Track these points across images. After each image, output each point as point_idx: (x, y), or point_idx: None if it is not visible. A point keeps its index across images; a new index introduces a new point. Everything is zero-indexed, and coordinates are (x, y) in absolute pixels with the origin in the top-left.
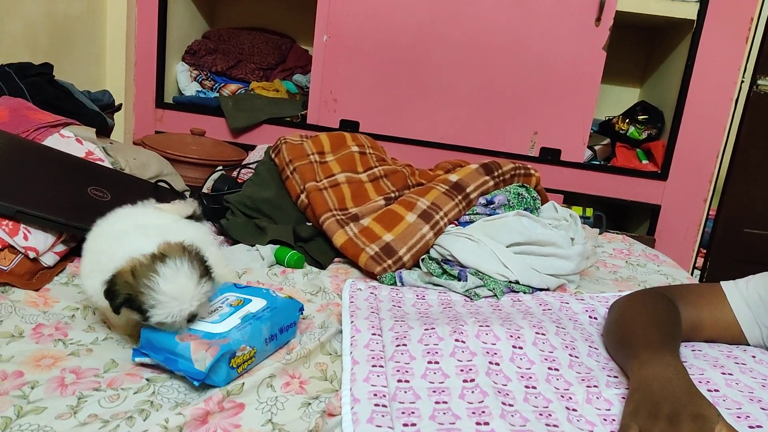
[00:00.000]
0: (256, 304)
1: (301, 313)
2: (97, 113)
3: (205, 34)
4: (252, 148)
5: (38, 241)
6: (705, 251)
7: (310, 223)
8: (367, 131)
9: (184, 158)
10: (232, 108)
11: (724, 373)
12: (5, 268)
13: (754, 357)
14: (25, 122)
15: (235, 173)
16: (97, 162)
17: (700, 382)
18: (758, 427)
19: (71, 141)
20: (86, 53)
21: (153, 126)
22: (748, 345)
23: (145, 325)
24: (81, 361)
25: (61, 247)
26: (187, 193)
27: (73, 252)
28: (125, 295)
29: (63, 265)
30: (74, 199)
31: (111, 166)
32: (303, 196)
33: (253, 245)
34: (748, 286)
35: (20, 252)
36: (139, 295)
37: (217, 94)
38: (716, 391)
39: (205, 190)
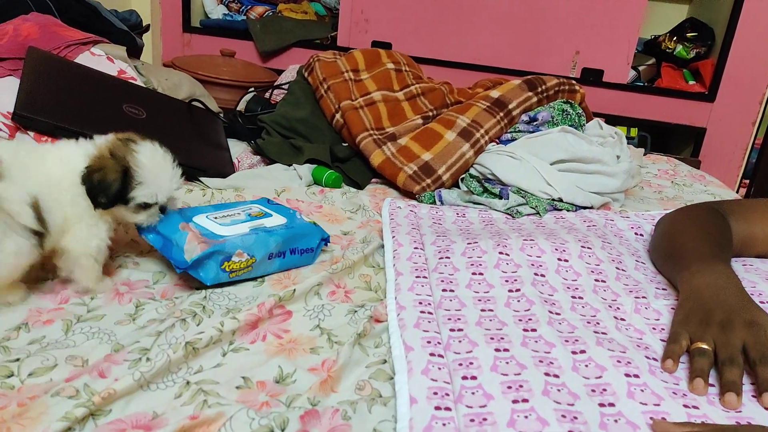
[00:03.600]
0: (274, 221)
1: (325, 243)
2: (126, 32)
3: None
4: (280, 71)
5: None
6: (747, 182)
7: (346, 143)
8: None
9: (216, 79)
10: (260, 31)
11: None
12: None
13: None
14: (55, 39)
15: (267, 94)
16: (130, 81)
17: (752, 294)
18: None
19: (102, 59)
20: None
21: (181, 50)
22: None
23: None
24: (130, 273)
25: None
26: (221, 114)
27: None
28: (118, 172)
29: None
30: (110, 116)
31: (144, 86)
32: (338, 116)
33: (290, 165)
34: None
35: None
36: (129, 170)
37: (245, 17)
38: None
39: (238, 111)
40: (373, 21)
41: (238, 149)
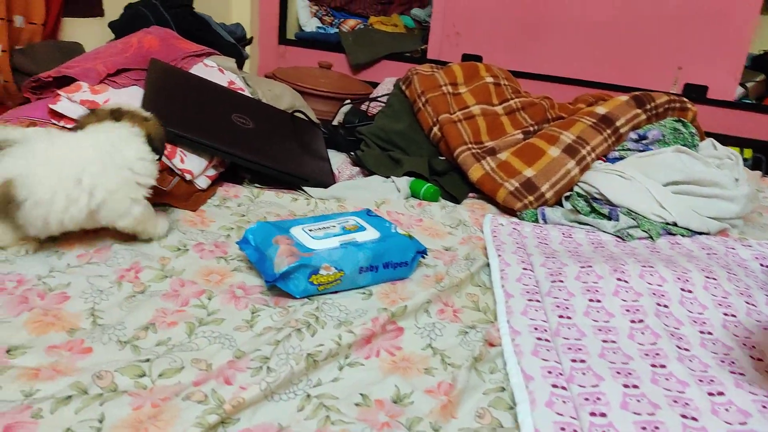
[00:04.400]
0: (367, 235)
1: (423, 257)
2: (233, 45)
3: None
4: (372, 84)
5: (193, 164)
6: None
7: (443, 157)
8: None
9: (314, 91)
10: (352, 43)
11: None
12: (165, 189)
13: None
14: (173, 51)
15: (364, 106)
16: (239, 91)
17: None
18: None
19: (214, 70)
20: None
21: (276, 62)
22: None
23: None
24: (244, 277)
25: (212, 171)
26: (321, 126)
27: (222, 177)
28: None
29: (214, 189)
30: (222, 126)
31: (250, 96)
32: (436, 129)
33: (388, 176)
34: None
35: (177, 174)
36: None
37: (337, 30)
38: None
39: (335, 122)
40: (465, 34)
41: (337, 160)
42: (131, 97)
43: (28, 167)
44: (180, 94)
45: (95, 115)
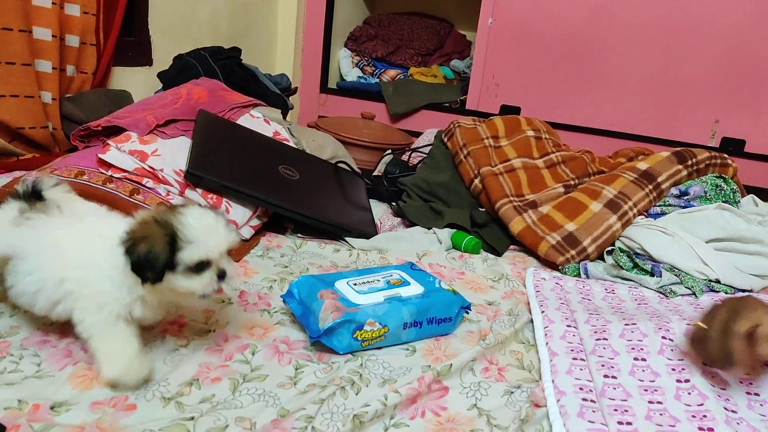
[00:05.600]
0: (411, 290)
1: (467, 312)
2: (278, 95)
3: (366, 20)
4: (412, 133)
5: (238, 215)
6: None
7: (484, 209)
8: None
9: (356, 141)
10: (392, 93)
11: None
12: None
13: None
14: (221, 102)
15: (405, 156)
16: (284, 142)
17: None
18: None
19: (260, 121)
20: (260, 38)
21: (317, 110)
22: None
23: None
24: (288, 331)
25: (255, 222)
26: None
27: (266, 227)
28: (166, 238)
29: (257, 239)
30: (268, 176)
31: (295, 146)
32: (477, 181)
33: (429, 228)
34: None
35: None
36: (176, 232)
37: (377, 80)
38: None
39: (377, 173)
40: (504, 85)
41: (379, 210)
42: (178, 148)
43: (29, 250)
44: (226, 145)
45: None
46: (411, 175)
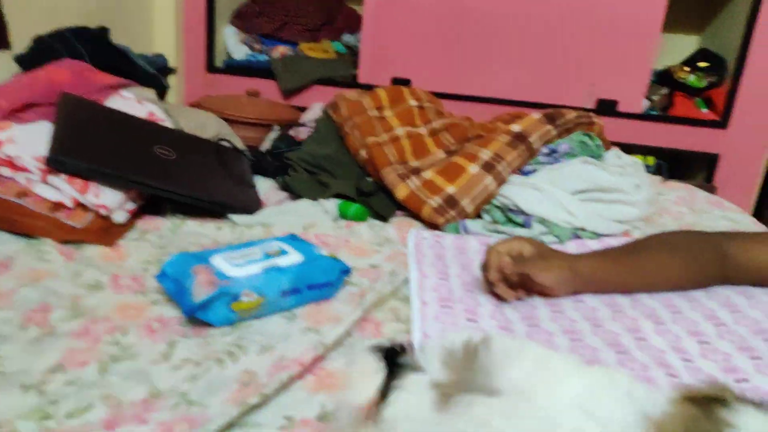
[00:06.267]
0: (290, 258)
1: (347, 275)
2: (153, 75)
3: None
4: (303, 109)
5: (109, 199)
6: None
7: (371, 178)
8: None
9: (241, 118)
10: (282, 70)
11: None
12: (78, 226)
13: None
14: (87, 84)
15: (292, 132)
16: (160, 122)
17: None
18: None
19: (132, 102)
20: (135, 17)
21: (204, 90)
22: None
23: None
24: (162, 310)
25: (131, 205)
26: (246, 152)
27: (143, 210)
28: None
29: (133, 222)
30: (141, 157)
31: (172, 126)
32: (363, 152)
33: (316, 200)
34: None
35: (92, 210)
36: None
37: (267, 57)
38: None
39: (264, 149)
40: (393, 58)
41: (265, 186)
42: (39, 133)
43: None
44: (93, 127)
45: None
46: (297, 149)
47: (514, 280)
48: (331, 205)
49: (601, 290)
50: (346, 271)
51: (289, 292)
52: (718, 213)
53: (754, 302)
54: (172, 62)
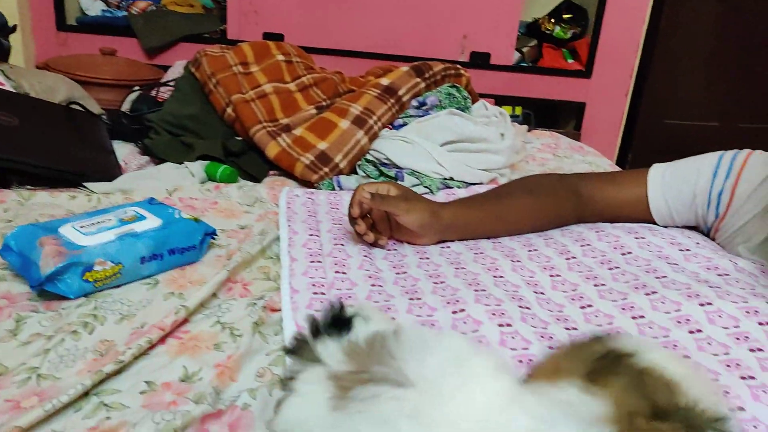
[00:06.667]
0: (147, 223)
1: (213, 238)
2: None
3: None
4: (168, 68)
5: None
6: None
7: (240, 137)
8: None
9: (96, 80)
10: (143, 26)
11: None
12: None
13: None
14: None
15: (153, 92)
16: None
17: (615, 247)
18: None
19: None
20: None
21: (57, 50)
22: (656, 224)
23: None
24: (9, 286)
25: None
26: (104, 116)
27: None
28: None
29: None
30: None
31: (14, 90)
32: (229, 110)
33: (181, 163)
34: (674, 165)
35: None
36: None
37: (126, 13)
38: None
39: (122, 111)
40: (263, 13)
41: (124, 151)
42: None
43: None
44: None
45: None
46: (159, 111)
47: (376, 217)
48: (197, 167)
49: (465, 236)
50: (211, 233)
51: (148, 258)
52: (579, 157)
53: (603, 235)
54: (13, 20)
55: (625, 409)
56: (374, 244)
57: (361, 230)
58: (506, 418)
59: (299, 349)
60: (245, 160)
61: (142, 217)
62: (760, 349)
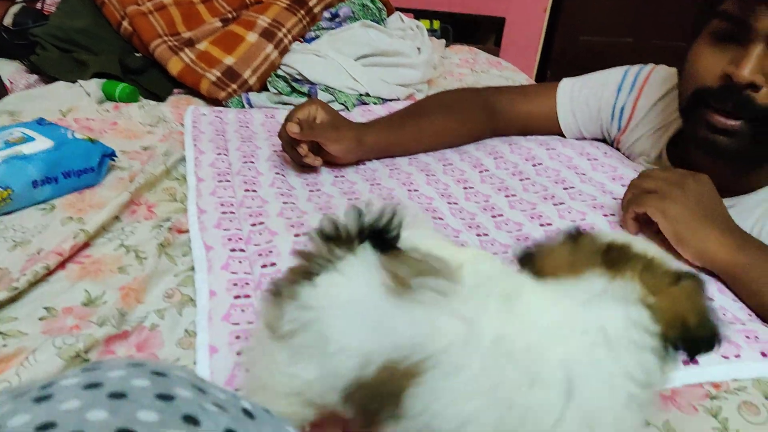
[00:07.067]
0: (38, 145)
1: (112, 160)
2: None
3: None
4: None
5: None
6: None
7: (139, 53)
8: None
9: None
10: None
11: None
12: None
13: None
14: None
15: (38, 4)
16: None
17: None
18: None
19: None
20: None
21: None
22: (564, 136)
23: None
24: None
25: None
26: None
27: None
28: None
29: None
30: None
31: None
32: (125, 23)
33: (74, 81)
34: (582, 79)
35: None
36: None
37: None
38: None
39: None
40: None
41: (9, 69)
42: None
43: (465, 352)
44: None
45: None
46: (45, 24)
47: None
48: (94, 86)
49: (384, 156)
50: (110, 154)
51: (41, 182)
52: (496, 73)
53: (515, 147)
54: None
55: (653, 285)
56: (311, 165)
57: (304, 152)
58: (575, 313)
59: (338, 237)
60: (146, 78)
61: (30, 138)
62: None
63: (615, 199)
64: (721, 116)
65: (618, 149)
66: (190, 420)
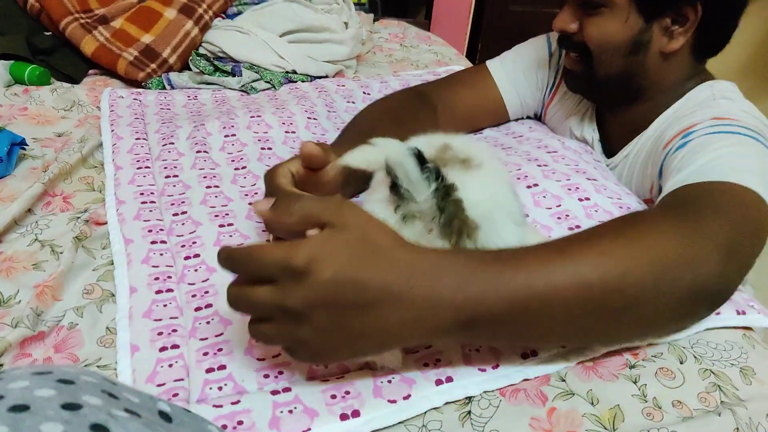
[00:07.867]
0: None
1: (23, 148)
2: None
3: None
4: None
5: None
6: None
7: (49, 32)
8: None
9: None
10: None
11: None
12: None
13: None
14: None
15: None
16: None
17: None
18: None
19: None
20: None
21: None
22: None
23: None
24: None
25: None
26: None
27: None
28: None
29: None
30: None
31: None
32: (32, 0)
33: None
34: (509, 57)
35: None
36: None
37: None
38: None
39: None
40: None
41: None
42: None
43: None
44: None
45: None
46: None
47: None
48: (0, 68)
49: None
50: (20, 143)
51: None
52: (425, 47)
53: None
54: None
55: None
56: None
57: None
58: None
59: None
60: (58, 59)
61: None
62: (578, 227)
63: (540, 166)
64: (567, 57)
65: (545, 114)
66: (99, 428)
